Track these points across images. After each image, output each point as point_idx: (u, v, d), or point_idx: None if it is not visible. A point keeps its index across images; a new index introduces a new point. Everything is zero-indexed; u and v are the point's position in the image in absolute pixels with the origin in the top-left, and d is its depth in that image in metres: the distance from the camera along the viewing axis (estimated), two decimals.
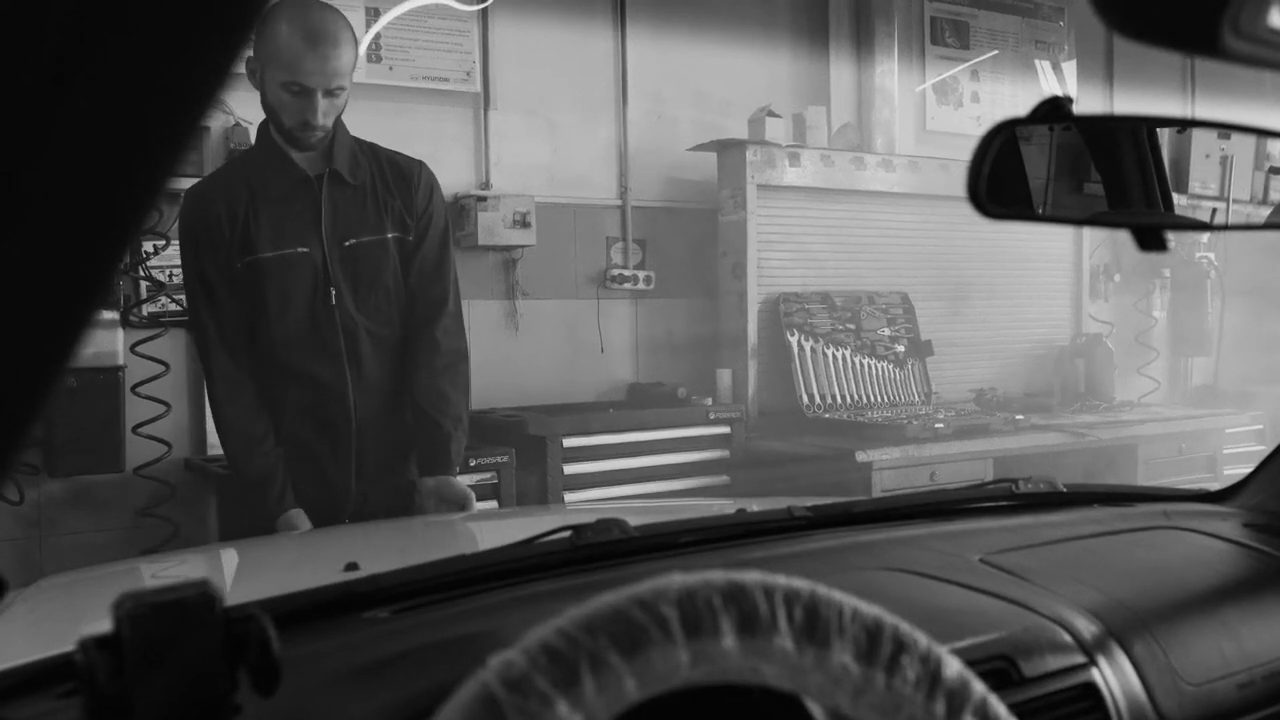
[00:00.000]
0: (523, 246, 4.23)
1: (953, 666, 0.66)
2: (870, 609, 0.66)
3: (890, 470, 3.86)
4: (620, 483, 3.86)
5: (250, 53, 2.22)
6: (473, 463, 3.36)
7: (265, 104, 2.24)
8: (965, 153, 1.07)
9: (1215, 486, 1.59)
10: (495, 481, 3.51)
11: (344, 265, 2.28)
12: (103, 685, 0.60)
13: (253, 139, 2.68)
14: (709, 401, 4.28)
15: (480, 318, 4.12)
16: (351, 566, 1.27)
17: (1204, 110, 5.63)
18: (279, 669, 0.63)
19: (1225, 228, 1.34)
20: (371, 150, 2.37)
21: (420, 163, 2.42)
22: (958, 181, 1.07)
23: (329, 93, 2.19)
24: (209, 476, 3.51)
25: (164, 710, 0.61)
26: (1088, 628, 1.03)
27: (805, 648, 0.63)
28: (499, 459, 3.54)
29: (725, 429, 4.17)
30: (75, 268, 0.34)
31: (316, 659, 0.84)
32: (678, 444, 4.07)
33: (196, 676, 0.62)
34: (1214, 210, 1.30)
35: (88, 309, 0.35)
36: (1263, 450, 1.76)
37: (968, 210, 1.07)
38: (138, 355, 3.47)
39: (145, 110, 0.33)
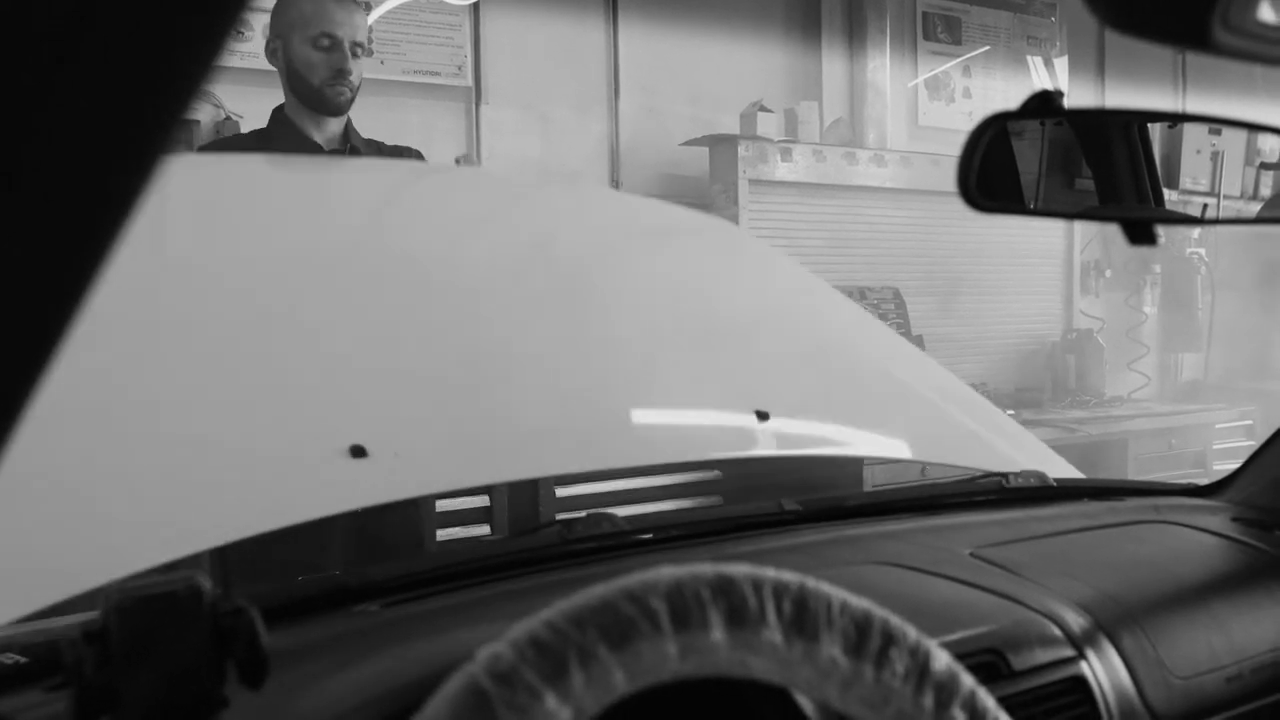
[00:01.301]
0: None
1: (941, 659, 0.66)
2: (859, 602, 0.66)
3: (881, 465, 3.86)
4: (614, 476, 3.85)
5: (268, 34, 2.33)
6: None
7: (292, 72, 2.30)
8: (957, 148, 1.07)
9: (1205, 481, 1.59)
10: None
11: None
12: (90, 677, 0.60)
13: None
14: None
15: None
16: (358, 452, 1.16)
17: (1195, 105, 5.65)
18: (267, 662, 0.63)
19: (1216, 222, 1.35)
20: (375, 144, 2.46)
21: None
22: (949, 177, 1.07)
23: (354, 47, 2.28)
24: None
25: (152, 702, 0.61)
26: (1077, 621, 1.04)
27: (794, 641, 0.63)
28: None
29: None
30: (65, 258, 0.34)
31: (305, 652, 0.84)
32: None
33: (184, 669, 0.62)
34: (1205, 205, 1.30)
35: (78, 301, 0.35)
36: (1252, 445, 1.76)
37: (959, 205, 1.07)
38: None
39: (133, 97, 0.32)
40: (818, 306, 1.94)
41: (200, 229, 1.37)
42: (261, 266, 1.38)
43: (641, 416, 1.44)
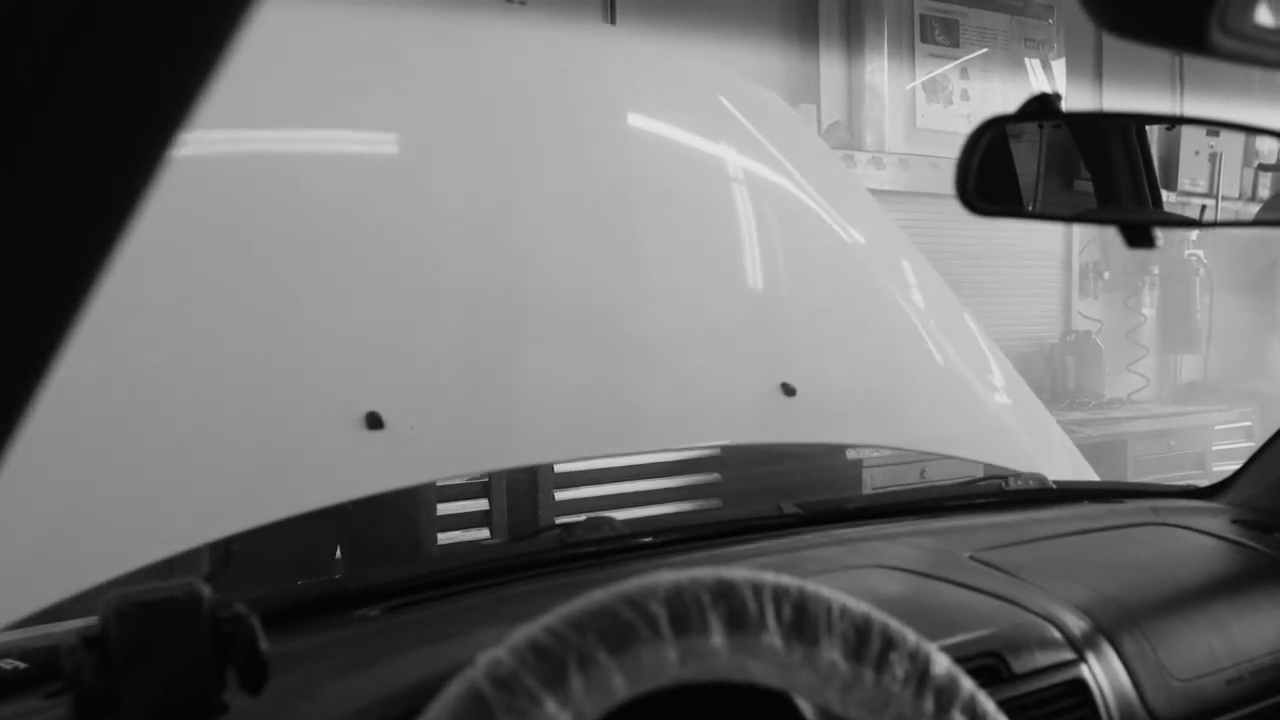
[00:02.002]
0: None
1: (941, 663, 0.66)
2: (859, 606, 0.66)
3: (881, 468, 3.86)
4: (612, 480, 3.84)
5: None
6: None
7: None
8: (955, 151, 1.07)
9: (1204, 483, 1.59)
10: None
11: None
12: (90, 684, 0.60)
13: None
14: None
15: None
16: (374, 421, 1.13)
17: (1193, 108, 5.65)
18: (267, 667, 0.63)
19: (1214, 224, 1.35)
20: None
21: None
22: (948, 179, 1.07)
23: None
24: None
25: (151, 709, 0.61)
26: (1077, 624, 1.04)
27: (794, 645, 0.63)
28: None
29: None
30: (65, 260, 0.34)
31: (305, 657, 0.84)
32: None
33: (184, 674, 0.62)
34: (1203, 207, 1.30)
35: (79, 302, 0.35)
36: (1251, 447, 1.76)
37: (957, 208, 1.07)
38: None
39: (134, 98, 0.32)
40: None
41: (190, 193, 1.18)
42: (265, 221, 1.24)
43: (668, 400, 1.33)
